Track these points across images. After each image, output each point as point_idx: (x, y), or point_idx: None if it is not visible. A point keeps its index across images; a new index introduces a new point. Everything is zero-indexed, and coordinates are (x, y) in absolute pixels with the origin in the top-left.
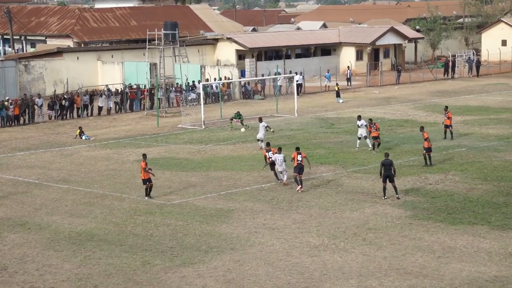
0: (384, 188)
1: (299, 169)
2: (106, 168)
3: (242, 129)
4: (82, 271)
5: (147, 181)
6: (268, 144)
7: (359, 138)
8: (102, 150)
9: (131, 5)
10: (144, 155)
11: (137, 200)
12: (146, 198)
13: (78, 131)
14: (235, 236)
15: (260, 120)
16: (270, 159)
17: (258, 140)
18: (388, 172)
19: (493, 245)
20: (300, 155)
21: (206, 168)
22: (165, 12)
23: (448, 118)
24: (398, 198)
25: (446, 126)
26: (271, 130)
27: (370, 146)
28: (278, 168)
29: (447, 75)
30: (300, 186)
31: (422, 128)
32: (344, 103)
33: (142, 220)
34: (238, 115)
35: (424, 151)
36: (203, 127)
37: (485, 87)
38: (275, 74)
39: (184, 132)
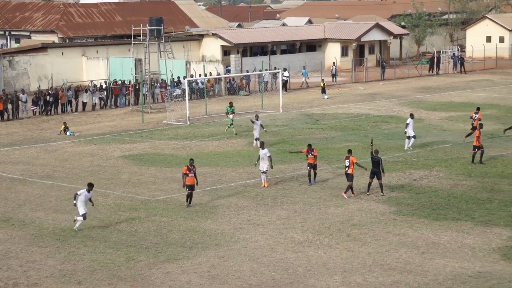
0: (370, 184)
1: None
2: (91, 164)
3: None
4: (66, 267)
5: (189, 187)
6: (309, 146)
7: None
8: (87, 146)
9: (116, 0)
10: (191, 159)
11: (122, 196)
12: (187, 206)
13: (63, 126)
14: (220, 232)
15: (257, 117)
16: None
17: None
18: (376, 169)
19: (477, 241)
20: (348, 160)
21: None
22: (150, 8)
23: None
24: (382, 195)
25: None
26: (264, 129)
27: None
28: (262, 166)
29: (432, 71)
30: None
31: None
32: (329, 99)
33: (126, 216)
34: (231, 107)
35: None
36: (188, 123)
37: (469, 83)
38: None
39: (169, 128)
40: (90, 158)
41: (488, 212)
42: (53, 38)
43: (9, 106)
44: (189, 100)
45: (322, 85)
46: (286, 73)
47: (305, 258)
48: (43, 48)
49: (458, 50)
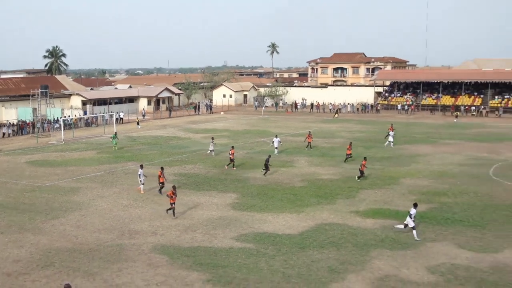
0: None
1: None
2: (8, 166)
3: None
4: None
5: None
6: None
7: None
8: (5, 157)
9: (22, 76)
10: (174, 186)
11: (26, 184)
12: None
13: None
14: (81, 202)
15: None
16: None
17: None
18: None
19: (219, 200)
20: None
21: (65, 165)
22: (41, 80)
23: None
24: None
25: None
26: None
27: None
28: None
29: (196, 112)
30: None
31: None
32: (141, 128)
33: (29, 195)
34: (115, 136)
35: None
36: (63, 142)
37: (214, 119)
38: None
39: (52, 146)
40: (6, 163)
41: (225, 185)
42: None
43: None
44: (63, 129)
45: (137, 120)
46: (121, 114)
47: (129, 213)
48: None
49: (209, 101)
